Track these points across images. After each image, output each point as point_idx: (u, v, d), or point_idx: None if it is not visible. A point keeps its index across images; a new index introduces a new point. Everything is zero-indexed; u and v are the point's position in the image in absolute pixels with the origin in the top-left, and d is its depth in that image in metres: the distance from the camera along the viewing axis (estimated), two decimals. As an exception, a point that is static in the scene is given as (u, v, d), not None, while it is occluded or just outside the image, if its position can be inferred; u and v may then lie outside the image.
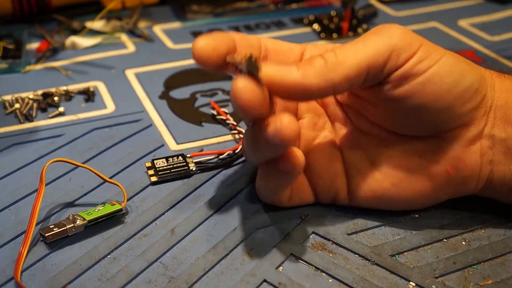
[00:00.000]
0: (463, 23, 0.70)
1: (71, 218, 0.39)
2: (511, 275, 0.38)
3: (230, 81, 0.41)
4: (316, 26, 0.68)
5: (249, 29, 0.68)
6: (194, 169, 0.44)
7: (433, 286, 0.37)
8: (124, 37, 0.64)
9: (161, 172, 0.44)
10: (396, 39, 0.36)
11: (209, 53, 0.35)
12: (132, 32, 0.65)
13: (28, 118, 0.50)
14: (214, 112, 0.52)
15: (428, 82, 0.36)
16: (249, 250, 0.39)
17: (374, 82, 0.37)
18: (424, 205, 0.41)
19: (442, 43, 0.67)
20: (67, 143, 0.48)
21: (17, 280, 0.35)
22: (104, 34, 0.64)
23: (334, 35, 0.66)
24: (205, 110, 0.53)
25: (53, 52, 0.61)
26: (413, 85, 0.36)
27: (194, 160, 0.45)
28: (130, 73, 0.58)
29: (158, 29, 0.67)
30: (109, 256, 0.38)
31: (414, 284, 0.37)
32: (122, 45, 0.63)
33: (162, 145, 0.48)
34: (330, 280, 0.37)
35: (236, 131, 0.49)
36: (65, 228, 0.38)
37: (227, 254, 0.38)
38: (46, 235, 0.38)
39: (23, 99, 0.52)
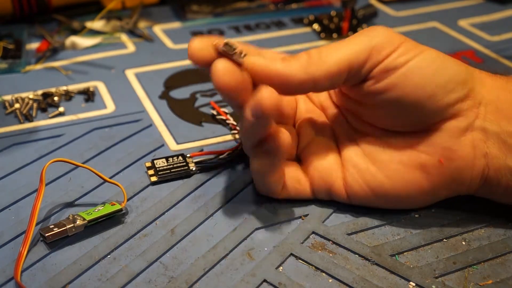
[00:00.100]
0: (463, 23, 0.70)
1: (71, 218, 0.39)
2: (511, 275, 0.38)
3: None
4: (316, 26, 0.68)
5: (249, 29, 0.68)
6: (194, 169, 0.44)
7: (433, 286, 0.37)
8: (124, 37, 0.65)
9: (161, 172, 0.44)
10: (378, 38, 0.38)
11: (202, 52, 0.37)
12: (132, 32, 0.65)
13: (28, 118, 0.50)
14: (214, 112, 0.52)
15: (408, 73, 0.37)
16: (249, 250, 0.39)
17: (357, 79, 0.39)
18: (423, 202, 0.41)
19: (442, 43, 0.68)
20: (67, 143, 0.48)
21: (17, 280, 0.35)
22: (104, 34, 0.64)
23: (334, 35, 0.66)
24: (205, 110, 0.53)
25: (53, 52, 0.61)
26: (394, 78, 0.37)
27: (194, 160, 0.45)
28: (130, 73, 0.58)
29: (158, 29, 0.67)
30: (109, 256, 0.38)
31: (414, 284, 0.37)
32: (122, 45, 0.63)
33: (162, 145, 0.48)
34: (330, 280, 0.37)
35: (236, 131, 0.49)
36: (65, 228, 0.38)
37: (227, 254, 0.38)
38: (46, 235, 0.38)
39: (23, 99, 0.52)
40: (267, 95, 0.35)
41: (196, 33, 0.66)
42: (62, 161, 0.41)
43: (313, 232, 0.40)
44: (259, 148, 0.39)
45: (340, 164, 0.41)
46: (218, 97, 0.54)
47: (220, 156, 0.46)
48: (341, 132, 0.43)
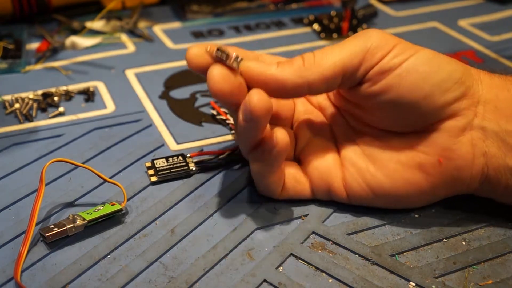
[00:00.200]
0: (463, 23, 0.70)
1: (71, 218, 0.39)
2: (511, 275, 0.38)
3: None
4: (316, 26, 0.68)
5: (249, 29, 0.68)
6: (194, 169, 0.44)
7: (433, 286, 0.37)
8: (124, 37, 0.65)
9: (161, 172, 0.44)
10: (372, 40, 0.38)
11: (199, 58, 0.37)
12: (132, 32, 0.65)
13: (28, 118, 0.50)
14: (214, 112, 0.52)
15: (404, 73, 0.37)
16: (249, 250, 0.39)
17: (353, 82, 0.39)
18: (423, 202, 0.41)
19: (442, 43, 0.68)
20: (67, 143, 0.48)
21: (17, 280, 0.35)
22: (104, 34, 0.64)
23: (334, 35, 0.66)
24: (205, 110, 0.53)
25: (53, 52, 0.61)
26: (389, 79, 0.38)
27: (194, 160, 0.45)
28: (130, 73, 0.58)
29: (158, 29, 0.67)
30: (109, 256, 0.38)
31: (414, 284, 0.37)
32: (122, 45, 0.63)
33: (162, 145, 0.48)
34: (330, 280, 0.37)
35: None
36: (65, 228, 0.38)
37: (227, 254, 0.38)
38: (46, 235, 0.38)
39: (23, 99, 0.52)
40: (256, 98, 0.36)
41: (196, 33, 0.66)
42: (62, 161, 0.41)
43: (313, 232, 0.40)
44: (256, 151, 0.39)
45: (339, 163, 0.41)
46: (218, 97, 0.54)
47: (220, 156, 0.46)
48: (340, 132, 0.43)
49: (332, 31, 0.67)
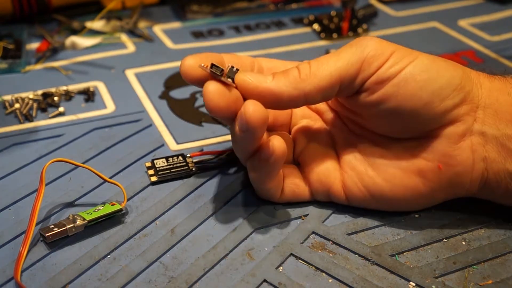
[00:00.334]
0: (463, 23, 0.70)
1: (71, 218, 0.39)
2: (511, 275, 0.38)
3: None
4: (316, 26, 0.68)
5: (249, 29, 0.68)
6: (194, 169, 0.44)
7: (433, 286, 0.37)
8: (124, 37, 0.65)
9: (161, 172, 0.44)
10: (368, 49, 0.38)
11: (194, 70, 0.37)
12: (132, 32, 0.65)
13: (28, 118, 0.50)
14: (214, 112, 0.52)
15: (402, 82, 0.37)
16: (249, 250, 0.39)
17: (350, 91, 0.38)
18: (422, 205, 0.41)
19: (442, 43, 0.68)
20: (67, 143, 0.48)
21: (17, 280, 0.35)
22: (104, 34, 0.64)
23: (334, 35, 0.66)
24: (205, 110, 0.53)
25: (53, 52, 0.61)
26: (387, 89, 0.37)
27: (194, 160, 0.45)
28: (130, 73, 0.58)
29: (158, 29, 0.67)
30: (109, 256, 0.38)
31: (414, 284, 0.37)
32: (122, 45, 0.63)
33: (162, 145, 0.48)
34: (330, 280, 0.37)
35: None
36: (65, 228, 0.38)
37: (227, 254, 0.38)
38: (46, 235, 0.38)
39: (23, 99, 0.52)
40: (252, 109, 0.35)
41: (196, 33, 0.66)
42: (62, 161, 0.41)
43: (313, 232, 0.40)
44: (253, 159, 0.39)
45: (338, 166, 0.41)
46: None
47: (220, 156, 0.46)
48: (339, 135, 0.42)
49: (332, 31, 0.67)
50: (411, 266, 0.38)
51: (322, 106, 0.44)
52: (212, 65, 0.37)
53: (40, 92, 0.54)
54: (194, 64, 0.37)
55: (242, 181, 0.44)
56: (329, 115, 0.43)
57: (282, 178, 0.41)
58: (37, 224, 0.39)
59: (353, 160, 0.41)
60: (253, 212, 0.41)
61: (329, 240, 0.40)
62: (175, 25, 0.68)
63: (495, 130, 0.38)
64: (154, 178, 0.44)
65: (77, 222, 0.38)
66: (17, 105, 0.51)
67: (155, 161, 0.45)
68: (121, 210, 0.40)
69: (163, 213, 0.41)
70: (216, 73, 0.37)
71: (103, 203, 0.41)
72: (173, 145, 0.48)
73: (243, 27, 0.68)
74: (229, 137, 0.49)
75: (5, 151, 0.47)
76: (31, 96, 0.53)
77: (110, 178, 0.43)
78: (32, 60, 0.59)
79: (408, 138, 0.39)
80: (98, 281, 0.36)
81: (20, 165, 0.45)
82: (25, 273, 0.36)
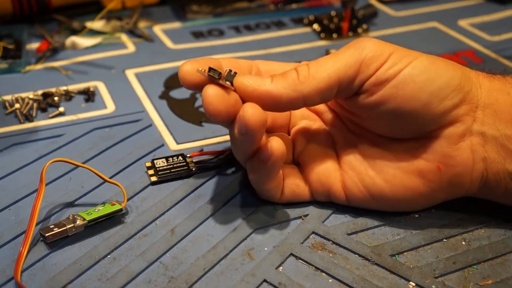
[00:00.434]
0: (463, 23, 0.70)
1: (71, 218, 0.39)
2: (511, 275, 0.38)
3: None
4: (316, 26, 0.68)
5: (249, 29, 0.68)
6: (194, 169, 0.44)
7: (433, 286, 0.37)
8: (124, 37, 0.65)
9: (161, 172, 0.44)
10: (366, 51, 0.38)
11: (192, 76, 0.37)
12: (132, 32, 0.65)
13: (28, 118, 0.50)
14: (214, 112, 0.52)
15: (400, 84, 0.37)
16: (249, 250, 0.39)
17: (349, 93, 0.38)
18: (421, 206, 0.41)
19: (442, 43, 0.68)
20: (67, 143, 0.48)
21: (17, 280, 0.35)
22: (104, 34, 0.64)
23: (334, 35, 0.66)
24: (205, 110, 0.53)
25: (53, 52, 0.61)
26: (386, 90, 0.37)
27: (194, 160, 0.45)
28: (130, 73, 0.58)
29: (158, 29, 0.67)
30: (109, 256, 0.38)
31: (414, 284, 0.37)
32: (122, 45, 0.63)
33: (162, 145, 0.48)
34: (330, 280, 0.37)
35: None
36: (65, 228, 0.38)
37: (227, 254, 0.38)
38: (46, 235, 0.38)
39: (23, 99, 0.52)
40: (251, 112, 0.35)
41: (196, 33, 0.66)
42: (62, 161, 0.41)
43: (313, 232, 0.40)
44: (252, 160, 0.39)
45: (338, 167, 0.41)
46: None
47: (220, 156, 0.46)
48: (338, 135, 0.42)
49: (332, 31, 0.67)
50: (411, 266, 0.38)
51: (321, 106, 0.44)
52: (210, 69, 0.37)
53: (40, 92, 0.54)
54: (191, 69, 0.37)
55: (242, 181, 0.44)
56: (328, 115, 0.43)
57: (282, 179, 0.41)
58: (37, 224, 0.39)
59: (353, 160, 0.41)
60: (253, 212, 0.41)
61: (329, 240, 0.40)
62: (175, 25, 0.68)
63: (494, 130, 0.38)
64: (154, 178, 0.44)
65: (77, 222, 0.38)
66: (17, 105, 0.51)
67: (155, 161, 0.45)
68: (121, 210, 0.40)
69: (163, 213, 0.41)
70: (214, 77, 0.37)
71: (103, 203, 0.41)
72: (173, 145, 0.48)
73: (243, 27, 0.68)
74: (229, 137, 0.49)
75: (5, 151, 0.47)
76: (31, 96, 0.53)
77: (110, 178, 0.43)
78: (32, 60, 0.59)
79: (408, 138, 0.39)
80: (98, 281, 0.36)
81: (20, 165, 0.45)
82: (25, 273, 0.36)
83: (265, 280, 0.37)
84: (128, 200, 0.42)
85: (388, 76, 0.37)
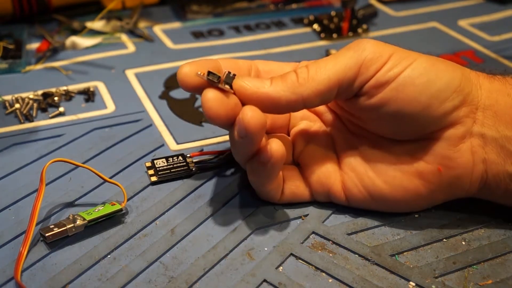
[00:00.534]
0: (463, 23, 0.70)
1: (71, 218, 0.39)
2: (511, 275, 0.38)
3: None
4: (316, 26, 0.68)
5: (249, 29, 0.68)
6: (194, 169, 0.44)
7: (433, 286, 0.37)
8: (124, 37, 0.65)
9: (161, 172, 0.44)
10: (366, 52, 0.38)
11: (191, 78, 0.37)
12: (132, 32, 0.65)
13: (28, 118, 0.50)
14: (214, 112, 0.52)
15: (400, 86, 0.37)
16: (249, 250, 0.39)
17: (349, 95, 0.38)
18: (421, 207, 0.41)
19: (442, 43, 0.68)
20: (67, 143, 0.48)
21: (17, 280, 0.35)
22: (104, 34, 0.64)
23: (334, 35, 0.66)
24: (205, 110, 0.53)
25: (53, 52, 0.61)
26: (386, 92, 0.37)
27: (194, 160, 0.45)
28: (130, 73, 0.58)
29: (158, 29, 0.67)
30: (109, 256, 0.38)
31: (414, 284, 0.37)
32: (122, 45, 0.63)
33: (162, 145, 0.48)
34: (330, 280, 0.37)
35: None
36: (65, 228, 0.38)
37: (227, 254, 0.38)
38: (46, 235, 0.38)
39: (23, 99, 0.52)
40: (250, 115, 0.35)
41: (196, 33, 0.66)
42: (62, 161, 0.41)
43: (313, 232, 0.40)
44: (252, 162, 0.39)
45: (338, 167, 0.41)
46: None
47: (220, 156, 0.46)
48: (338, 136, 0.42)
49: (332, 31, 0.67)
50: (411, 266, 0.38)
51: (321, 107, 0.43)
52: (209, 73, 0.37)
53: (40, 92, 0.54)
54: (190, 71, 0.37)
55: (242, 181, 0.44)
56: (328, 116, 0.43)
57: (282, 180, 0.41)
58: (37, 224, 0.39)
59: (353, 161, 0.41)
60: (253, 212, 0.41)
61: (329, 240, 0.40)
62: (175, 25, 0.68)
63: (494, 132, 0.38)
64: (154, 178, 0.44)
65: (77, 222, 0.38)
66: (17, 105, 0.51)
67: (155, 161, 0.45)
68: (121, 210, 0.40)
69: (163, 213, 0.41)
70: (213, 81, 0.36)
71: (103, 203, 0.41)
72: (173, 145, 0.48)
73: (243, 27, 0.68)
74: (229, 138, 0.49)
75: (5, 151, 0.47)
76: (31, 96, 0.53)
77: (110, 178, 0.43)
78: (32, 60, 0.59)
79: (408, 140, 0.39)
80: (98, 281, 0.36)
81: (20, 165, 0.45)
82: (25, 273, 0.36)
83: (265, 280, 0.37)
84: (128, 200, 0.42)
85: (388, 78, 0.37)
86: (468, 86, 0.38)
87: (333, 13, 0.70)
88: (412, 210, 0.41)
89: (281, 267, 0.38)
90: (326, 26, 0.67)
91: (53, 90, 0.54)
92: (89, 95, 0.54)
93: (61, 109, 0.51)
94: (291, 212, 0.41)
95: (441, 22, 0.70)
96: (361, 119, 0.40)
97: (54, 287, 0.36)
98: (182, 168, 0.44)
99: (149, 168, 0.44)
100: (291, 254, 0.39)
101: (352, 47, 0.38)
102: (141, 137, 0.49)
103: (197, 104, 0.54)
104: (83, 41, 0.61)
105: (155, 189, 0.44)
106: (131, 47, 0.63)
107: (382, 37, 0.67)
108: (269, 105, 0.37)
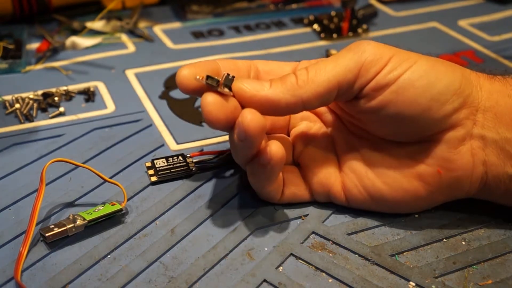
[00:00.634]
0: (463, 23, 0.70)
1: (71, 218, 0.39)
2: (511, 275, 0.38)
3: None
4: (316, 26, 0.68)
5: (249, 29, 0.68)
6: (194, 169, 0.44)
7: (433, 286, 0.37)
8: (124, 37, 0.65)
9: (161, 172, 0.44)
10: (366, 54, 0.37)
11: (190, 81, 0.37)
12: (132, 32, 0.65)
13: (28, 118, 0.50)
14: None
15: (400, 89, 0.37)
16: (249, 250, 0.39)
17: (348, 97, 0.38)
18: (421, 208, 0.41)
19: (442, 43, 0.68)
20: (67, 143, 0.48)
21: (17, 280, 0.35)
22: (104, 34, 0.64)
23: (334, 35, 0.66)
24: (205, 110, 0.53)
25: (53, 52, 0.61)
26: (386, 95, 0.37)
27: (194, 160, 0.45)
28: (130, 73, 0.58)
29: (158, 29, 0.67)
30: (109, 256, 0.38)
31: (414, 284, 0.37)
32: (122, 45, 0.63)
33: (162, 145, 0.48)
34: (330, 280, 0.37)
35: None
36: (65, 228, 0.38)
37: (227, 254, 0.38)
38: (46, 235, 0.38)
39: (23, 99, 0.52)
40: (249, 118, 0.35)
41: (196, 33, 0.66)
42: (62, 161, 0.41)
43: (313, 232, 0.40)
44: (252, 163, 0.39)
45: (338, 168, 0.41)
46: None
47: (220, 156, 0.46)
48: (338, 136, 0.42)
49: (332, 31, 0.67)
50: (411, 266, 0.38)
51: (321, 108, 0.43)
52: (208, 77, 0.36)
53: (40, 92, 0.54)
54: (189, 74, 0.37)
55: (242, 181, 0.44)
56: (329, 116, 0.43)
57: (282, 181, 0.41)
58: (37, 224, 0.39)
59: (353, 162, 0.41)
60: (253, 212, 0.41)
61: (329, 240, 0.40)
62: (175, 25, 0.68)
63: (494, 133, 0.38)
64: (154, 178, 0.44)
65: (77, 222, 0.38)
66: (17, 105, 0.51)
67: (155, 161, 0.45)
68: (121, 210, 0.40)
69: (163, 213, 0.41)
70: (212, 85, 0.36)
71: (103, 203, 0.41)
72: (173, 145, 0.48)
73: (243, 27, 0.68)
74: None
75: (5, 151, 0.47)
76: (31, 96, 0.53)
77: (110, 178, 0.43)
78: (32, 60, 0.59)
79: (408, 142, 0.39)
80: (98, 281, 0.36)
81: (20, 165, 0.45)
82: (25, 273, 0.37)
83: (265, 280, 0.37)
84: (128, 200, 0.42)
85: (388, 81, 0.37)
86: (468, 87, 0.38)
87: (333, 13, 0.70)
88: (411, 211, 0.41)
89: (281, 267, 0.38)
90: (326, 26, 0.67)
91: (53, 90, 0.54)
92: (89, 95, 0.54)
93: (61, 109, 0.51)
94: (291, 212, 0.41)
95: (441, 22, 0.70)
96: (361, 121, 0.40)
97: (54, 287, 0.36)
98: (182, 168, 0.44)
99: (149, 168, 0.44)
100: (291, 254, 0.39)
101: (352, 48, 0.38)
102: (141, 137, 0.49)
103: (197, 104, 0.54)
104: (83, 41, 0.61)
105: (155, 189, 0.44)
106: (131, 47, 0.63)
107: (382, 37, 0.67)
108: (268, 108, 0.37)
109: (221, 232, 0.40)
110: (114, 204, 0.40)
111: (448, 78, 0.38)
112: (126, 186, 0.43)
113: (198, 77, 0.37)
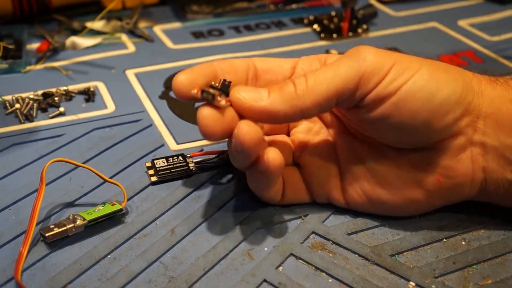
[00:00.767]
0: (463, 23, 0.70)
1: (71, 218, 0.39)
2: (511, 275, 0.38)
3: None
4: (316, 26, 0.68)
5: (249, 29, 0.68)
6: (194, 169, 0.45)
7: (433, 286, 0.37)
8: (124, 37, 0.65)
9: (161, 172, 0.44)
10: (367, 63, 0.37)
11: (186, 88, 0.37)
12: (132, 32, 0.65)
13: (29, 118, 0.51)
14: (214, 112, 0.52)
15: (401, 101, 0.36)
16: (249, 250, 0.39)
17: (348, 105, 0.38)
18: (420, 212, 0.41)
19: (442, 43, 0.68)
20: (67, 143, 0.48)
21: (17, 280, 0.35)
22: (104, 34, 0.64)
23: (334, 35, 0.66)
24: (205, 110, 0.53)
25: (53, 52, 0.61)
26: (387, 107, 0.37)
27: (194, 160, 0.45)
28: (130, 73, 0.58)
29: (158, 29, 0.67)
30: (109, 256, 0.38)
31: (414, 284, 0.37)
32: (122, 45, 0.63)
33: (162, 145, 0.48)
34: (330, 280, 0.37)
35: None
36: (65, 228, 0.38)
37: (227, 254, 0.38)
38: (46, 235, 0.38)
39: (23, 99, 0.52)
40: (245, 130, 0.35)
41: (196, 33, 0.66)
42: (62, 161, 0.41)
43: (313, 232, 0.40)
44: (251, 170, 0.38)
45: (338, 171, 0.41)
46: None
47: (220, 156, 0.46)
48: (339, 138, 0.42)
49: (332, 31, 0.67)
50: (411, 266, 0.38)
51: None
52: (203, 91, 0.36)
53: (40, 92, 0.54)
54: (186, 80, 0.37)
55: (242, 182, 0.44)
56: (329, 118, 0.43)
57: (281, 184, 0.41)
58: (37, 224, 0.39)
59: (353, 166, 0.40)
60: (253, 212, 0.41)
61: (329, 240, 0.40)
62: (175, 25, 0.68)
63: (495, 140, 0.38)
64: (154, 178, 0.44)
65: (77, 222, 0.38)
66: (17, 105, 0.51)
67: (155, 161, 0.45)
68: (121, 210, 0.40)
69: (163, 213, 0.41)
70: (207, 99, 0.36)
71: (103, 203, 0.41)
72: (173, 145, 0.48)
73: (243, 27, 0.68)
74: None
75: (5, 151, 0.47)
76: (31, 96, 0.53)
77: (110, 178, 0.43)
78: (33, 60, 0.59)
79: (408, 148, 0.39)
80: (98, 281, 0.36)
81: (20, 165, 0.45)
82: (25, 273, 0.37)
83: (265, 280, 0.37)
84: (128, 200, 0.42)
85: (388, 92, 0.36)
86: (470, 95, 0.37)
87: (333, 13, 0.70)
88: (410, 214, 0.41)
89: (281, 267, 0.38)
90: (326, 26, 0.67)
91: (53, 90, 0.54)
92: (89, 95, 0.54)
93: (61, 109, 0.51)
94: (291, 212, 0.41)
95: (441, 22, 0.70)
96: (362, 127, 0.40)
97: (54, 287, 0.36)
98: (182, 168, 0.44)
99: (149, 168, 0.45)
100: (291, 254, 0.39)
101: (352, 56, 0.37)
102: (141, 137, 0.49)
103: (197, 104, 0.54)
104: (83, 41, 0.61)
105: (155, 189, 0.44)
106: (131, 47, 0.63)
107: (382, 37, 0.67)
108: (266, 118, 0.37)
109: (221, 232, 0.40)
110: (114, 204, 0.40)
111: (449, 87, 0.37)
112: (126, 186, 0.43)
113: (194, 91, 0.36)
